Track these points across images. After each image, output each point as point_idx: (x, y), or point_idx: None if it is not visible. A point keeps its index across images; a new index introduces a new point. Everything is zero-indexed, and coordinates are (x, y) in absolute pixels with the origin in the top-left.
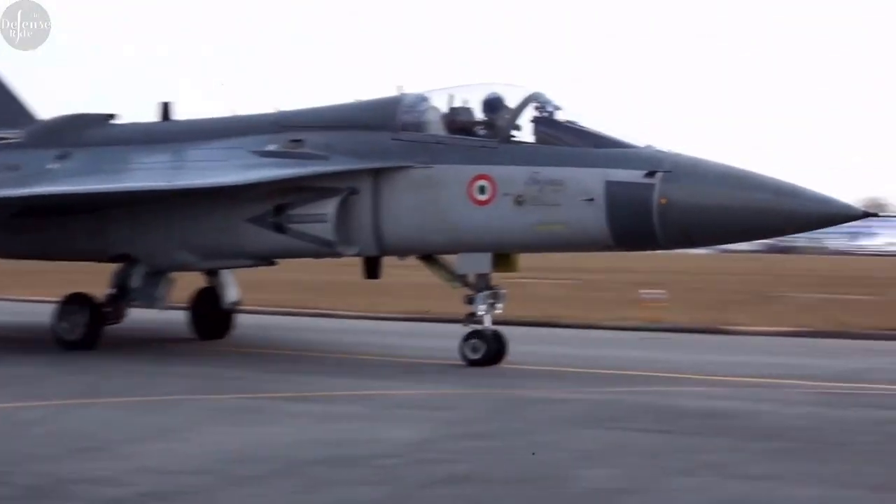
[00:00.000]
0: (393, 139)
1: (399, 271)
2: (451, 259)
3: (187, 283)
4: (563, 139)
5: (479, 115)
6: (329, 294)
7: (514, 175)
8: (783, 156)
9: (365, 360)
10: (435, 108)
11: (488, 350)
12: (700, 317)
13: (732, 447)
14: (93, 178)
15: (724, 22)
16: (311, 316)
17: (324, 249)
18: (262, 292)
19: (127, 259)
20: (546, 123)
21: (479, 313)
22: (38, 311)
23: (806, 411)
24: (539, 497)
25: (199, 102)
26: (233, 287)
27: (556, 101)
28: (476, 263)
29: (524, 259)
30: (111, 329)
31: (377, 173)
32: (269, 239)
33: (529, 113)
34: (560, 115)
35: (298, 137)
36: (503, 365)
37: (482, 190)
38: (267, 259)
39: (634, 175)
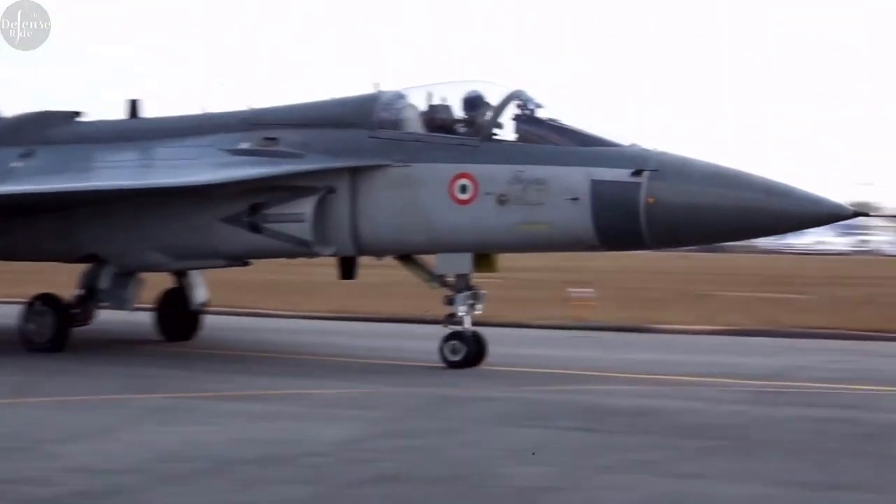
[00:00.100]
0: (370, 137)
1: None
2: (429, 259)
3: (154, 284)
4: (546, 137)
5: (458, 112)
6: (320, 294)
7: (496, 174)
8: (770, 156)
9: (311, 360)
10: (413, 106)
11: (468, 352)
12: (629, 315)
13: (662, 445)
14: (59, 176)
15: (709, 21)
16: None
17: (300, 249)
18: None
19: (95, 259)
20: (529, 121)
21: (460, 314)
22: (5, 312)
23: (735, 409)
24: (467, 496)
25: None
26: (201, 288)
27: (538, 99)
28: (456, 264)
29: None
30: (78, 331)
31: (354, 172)
32: (243, 239)
33: (511, 111)
34: (542, 114)
35: (272, 135)
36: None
37: (463, 189)
38: (241, 259)
39: (620, 174)
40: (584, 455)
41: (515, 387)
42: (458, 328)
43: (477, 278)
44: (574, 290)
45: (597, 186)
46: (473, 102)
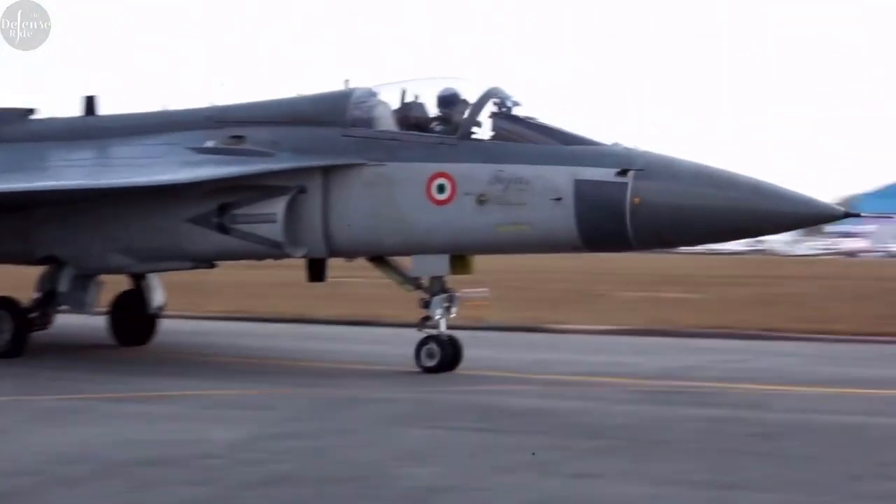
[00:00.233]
0: (343, 135)
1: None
2: (403, 260)
3: (108, 287)
4: (527, 136)
5: (434, 110)
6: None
7: (475, 173)
8: (769, 156)
9: (209, 362)
10: (387, 104)
11: (444, 356)
12: (523, 315)
13: (555, 445)
14: (15, 175)
15: (710, 21)
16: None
17: (272, 251)
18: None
19: (54, 261)
20: (508, 119)
21: (436, 317)
22: None
23: (629, 409)
24: (359, 496)
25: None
26: (159, 291)
27: (515, 97)
28: (433, 266)
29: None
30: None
31: (327, 171)
32: (211, 240)
33: (488, 109)
34: (519, 111)
35: (239, 133)
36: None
37: (441, 189)
38: (208, 261)
39: (605, 173)
40: (480, 455)
41: (412, 387)
42: (433, 332)
43: (354, 277)
44: (467, 290)
45: (581, 186)
46: (449, 100)
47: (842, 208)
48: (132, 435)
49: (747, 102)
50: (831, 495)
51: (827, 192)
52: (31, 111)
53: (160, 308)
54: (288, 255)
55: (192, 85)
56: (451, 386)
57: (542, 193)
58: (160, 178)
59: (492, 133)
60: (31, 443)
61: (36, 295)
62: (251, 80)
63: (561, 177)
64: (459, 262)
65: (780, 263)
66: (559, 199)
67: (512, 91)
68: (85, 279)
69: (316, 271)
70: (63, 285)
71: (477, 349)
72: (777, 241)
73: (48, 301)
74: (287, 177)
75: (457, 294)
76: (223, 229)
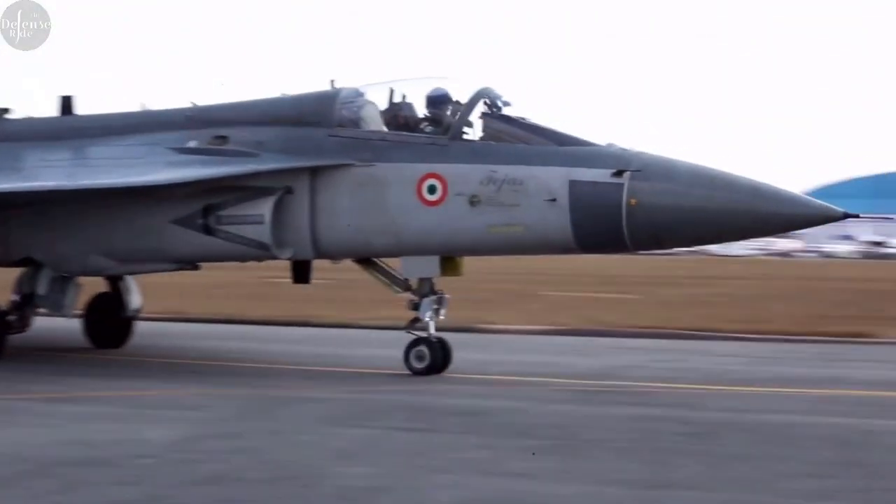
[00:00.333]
0: (330, 136)
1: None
2: (390, 261)
3: (83, 289)
4: (520, 136)
5: (423, 110)
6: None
7: (467, 174)
8: (768, 156)
9: (143, 362)
10: (375, 104)
11: (434, 359)
12: (456, 315)
13: (489, 445)
14: None
15: (710, 21)
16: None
17: (258, 252)
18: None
19: (31, 263)
20: (501, 119)
21: (426, 319)
22: None
23: (563, 409)
24: (294, 496)
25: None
26: (135, 293)
27: (506, 97)
28: (423, 267)
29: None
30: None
31: (314, 172)
32: (196, 241)
33: (479, 109)
34: (511, 112)
35: (222, 133)
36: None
37: (432, 189)
38: (192, 263)
39: (601, 174)
40: (414, 455)
41: (345, 387)
42: (422, 334)
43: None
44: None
45: (576, 187)
46: (439, 100)
47: (840, 209)
48: (66, 435)
49: (764, 104)
50: (766, 494)
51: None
52: (5, 111)
53: (137, 310)
54: (275, 257)
55: (175, 84)
56: (385, 386)
57: (536, 194)
58: (146, 178)
59: (483, 133)
60: None
61: (13, 297)
62: (238, 80)
63: (555, 177)
64: (448, 263)
65: (715, 263)
66: (553, 200)
67: (502, 91)
68: (63, 281)
69: (301, 273)
70: (41, 287)
71: None
72: None
73: (26, 303)
74: (274, 177)
75: (446, 296)
76: (208, 231)
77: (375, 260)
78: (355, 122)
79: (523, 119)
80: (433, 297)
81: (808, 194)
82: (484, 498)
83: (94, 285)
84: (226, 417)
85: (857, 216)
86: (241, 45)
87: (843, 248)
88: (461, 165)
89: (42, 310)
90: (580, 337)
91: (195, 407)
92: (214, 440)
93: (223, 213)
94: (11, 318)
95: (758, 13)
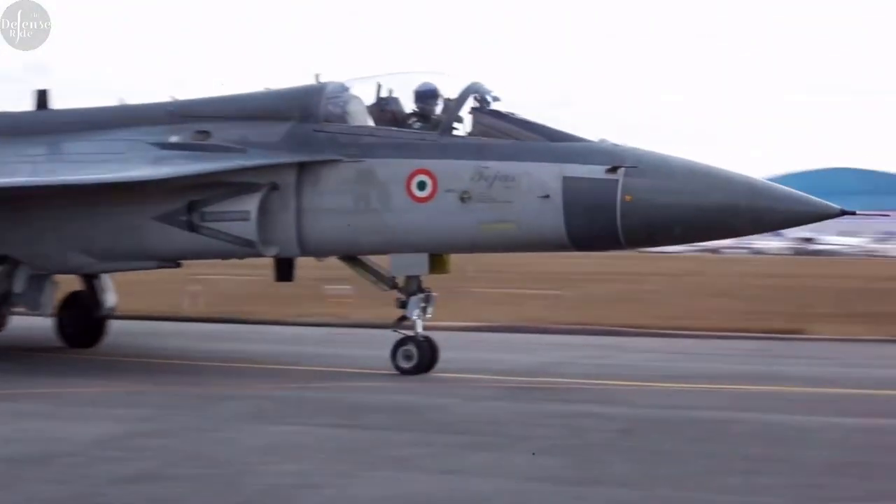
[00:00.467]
0: (316, 131)
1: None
2: (377, 258)
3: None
4: (512, 132)
5: (412, 105)
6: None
7: (458, 170)
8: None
9: (71, 359)
10: (361, 98)
11: (421, 357)
12: (386, 312)
13: (417, 442)
14: None
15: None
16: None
17: (244, 250)
18: None
19: (9, 261)
20: (491, 115)
21: (413, 318)
22: None
23: (491, 405)
24: (222, 493)
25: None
26: (110, 292)
27: (495, 92)
28: (412, 265)
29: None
30: None
31: (300, 168)
32: (179, 238)
33: (469, 104)
34: (501, 107)
35: (204, 129)
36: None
37: (422, 186)
38: (175, 260)
39: (595, 171)
40: (343, 452)
41: (274, 384)
42: (409, 333)
43: (222, 274)
44: (331, 288)
45: (569, 183)
46: (428, 95)
47: (837, 206)
48: None
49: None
50: (696, 490)
51: None
52: None
53: (111, 309)
54: (260, 255)
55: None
56: (313, 383)
57: (529, 191)
58: (129, 174)
59: (474, 129)
60: None
61: None
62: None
63: (548, 174)
64: (436, 261)
65: (645, 260)
66: (547, 196)
67: (492, 87)
68: (41, 279)
69: (284, 271)
70: (18, 286)
71: (337, 347)
72: None
73: (2, 302)
74: (258, 173)
75: (434, 294)
76: (192, 227)
77: (361, 258)
78: (342, 117)
79: (514, 115)
80: (421, 296)
81: None
82: (413, 494)
83: (67, 283)
84: (154, 415)
85: (853, 213)
86: (225, 40)
87: (773, 244)
88: (451, 161)
89: (19, 308)
90: (510, 334)
91: (125, 404)
92: (144, 437)
93: (208, 209)
94: None
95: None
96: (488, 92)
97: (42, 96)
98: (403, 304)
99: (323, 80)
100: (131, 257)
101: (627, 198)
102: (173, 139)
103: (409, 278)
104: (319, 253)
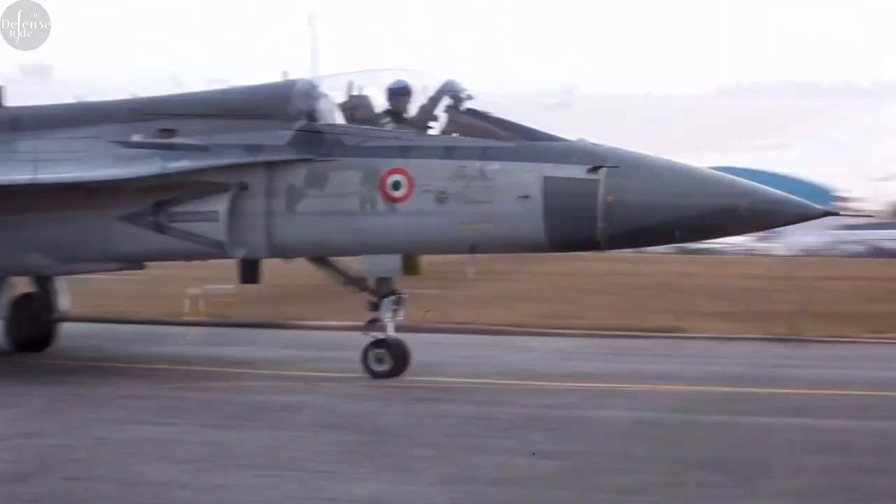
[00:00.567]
0: (285, 129)
1: None
2: (344, 260)
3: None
4: (490, 131)
5: (385, 103)
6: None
7: (435, 169)
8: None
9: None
10: (332, 96)
11: (394, 361)
12: (267, 312)
13: (294, 441)
14: None
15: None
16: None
17: (213, 251)
18: None
19: None
20: (468, 113)
21: (385, 321)
22: None
23: (372, 405)
24: (99, 496)
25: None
26: (63, 295)
27: (470, 91)
28: (384, 266)
29: None
30: None
31: (270, 167)
32: (145, 239)
33: (445, 102)
34: (477, 106)
35: (169, 126)
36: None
37: (396, 186)
38: (139, 262)
39: (576, 170)
40: (225, 452)
41: (153, 385)
42: (381, 336)
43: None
44: (211, 287)
45: (549, 184)
46: (401, 92)
47: (820, 207)
48: None
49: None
50: (576, 489)
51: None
52: None
53: (63, 313)
54: (230, 256)
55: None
56: (194, 382)
57: (508, 191)
58: (93, 174)
59: (450, 127)
60: None
61: None
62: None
63: (528, 174)
64: (408, 262)
65: (531, 259)
66: (526, 196)
67: (467, 85)
68: None
69: (249, 272)
70: None
71: (218, 347)
72: None
73: None
74: (226, 173)
75: (405, 295)
76: (159, 228)
77: (330, 259)
78: (313, 115)
79: (489, 113)
80: (393, 298)
81: None
82: (286, 497)
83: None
84: (29, 415)
85: (836, 214)
86: (224, 40)
87: None
88: (428, 160)
89: None
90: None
91: (5, 406)
92: (20, 438)
93: (175, 209)
94: None
95: None
96: (463, 90)
97: None
98: (375, 307)
99: (292, 77)
100: (95, 259)
101: (609, 198)
102: (136, 137)
103: (381, 280)
104: (291, 254)
